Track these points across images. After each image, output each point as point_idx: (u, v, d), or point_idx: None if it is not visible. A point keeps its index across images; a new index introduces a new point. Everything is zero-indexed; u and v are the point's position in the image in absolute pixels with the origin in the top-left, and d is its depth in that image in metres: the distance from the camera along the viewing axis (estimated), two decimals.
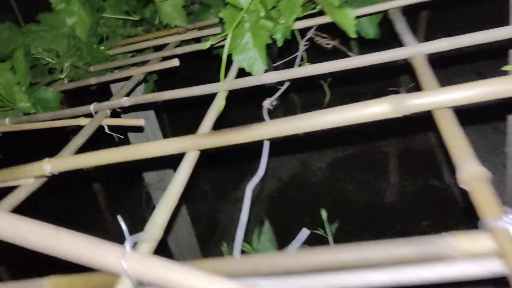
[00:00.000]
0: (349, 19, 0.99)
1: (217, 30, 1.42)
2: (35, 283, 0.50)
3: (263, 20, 1.02)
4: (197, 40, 1.52)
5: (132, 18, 1.59)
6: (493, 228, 0.38)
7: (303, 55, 1.25)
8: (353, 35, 1.01)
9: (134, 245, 0.49)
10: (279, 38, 1.03)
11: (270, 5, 0.97)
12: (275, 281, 0.45)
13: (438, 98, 0.55)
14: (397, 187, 3.63)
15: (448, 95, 0.55)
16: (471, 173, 0.45)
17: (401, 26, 0.94)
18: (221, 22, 0.99)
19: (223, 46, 1.20)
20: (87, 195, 2.92)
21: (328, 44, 1.18)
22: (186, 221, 2.41)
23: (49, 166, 0.68)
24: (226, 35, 0.91)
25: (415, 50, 0.75)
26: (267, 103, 0.89)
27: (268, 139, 0.69)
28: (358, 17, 1.27)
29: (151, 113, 2.00)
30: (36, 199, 0.78)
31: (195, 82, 1.04)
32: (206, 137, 0.65)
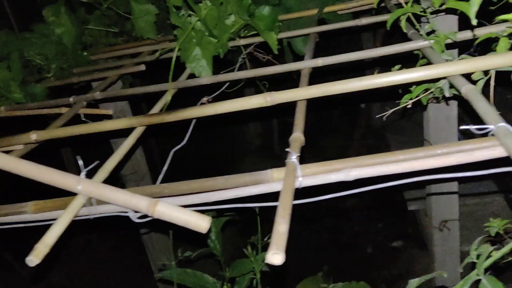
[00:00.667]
0: (273, 40, 1.30)
1: None
2: (22, 204, 0.78)
3: (209, 37, 1.32)
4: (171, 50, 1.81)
5: (113, 30, 1.89)
6: (287, 163, 0.68)
7: (247, 66, 1.55)
8: (275, 51, 1.32)
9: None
10: (220, 52, 1.33)
11: (211, 26, 1.27)
12: (173, 199, 0.74)
13: (293, 94, 0.85)
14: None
15: (300, 93, 0.85)
16: (294, 137, 0.75)
17: (309, 47, 1.25)
18: (176, 37, 1.29)
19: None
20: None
21: (264, 57, 1.49)
22: None
23: (35, 135, 0.96)
24: (173, 48, 1.20)
25: (303, 65, 1.06)
26: (205, 99, 1.19)
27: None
28: (294, 37, 1.59)
29: (126, 104, 2.29)
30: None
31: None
32: (146, 117, 0.94)
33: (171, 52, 1.61)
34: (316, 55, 1.31)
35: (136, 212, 0.75)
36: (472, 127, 0.58)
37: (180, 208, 0.67)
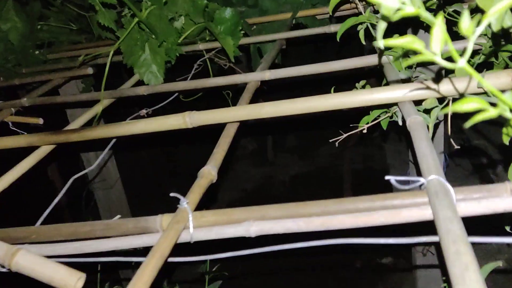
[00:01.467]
0: (229, 45, 1.15)
1: None
2: None
3: (157, 40, 1.17)
4: None
5: (71, 27, 1.74)
6: (179, 209, 0.52)
7: (210, 73, 1.40)
8: (232, 58, 1.17)
9: None
10: (171, 59, 1.18)
11: (157, 29, 1.11)
12: (40, 247, 0.59)
13: (220, 115, 0.70)
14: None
15: (228, 114, 0.70)
16: (202, 171, 0.60)
17: (268, 55, 1.10)
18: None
19: None
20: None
21: (225, 65, 1.34)
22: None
23: None
24: (109, 51, 1.05)
25: (249, 77, 0.90)
26: (143, 112, 1.04)
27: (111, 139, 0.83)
28: (265, 42, 1.43)
29: None
30: None
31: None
32: (51, 134, 0.79)
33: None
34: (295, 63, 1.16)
35: None
36: (399, 179, 0.43)
37: (45, 261, 0.52)
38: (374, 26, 0.76)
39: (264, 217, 0.49)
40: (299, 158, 4.47)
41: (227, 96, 1.51)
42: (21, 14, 1.51)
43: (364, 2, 0.81)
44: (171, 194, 0.51)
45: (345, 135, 0.82)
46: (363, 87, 0.87)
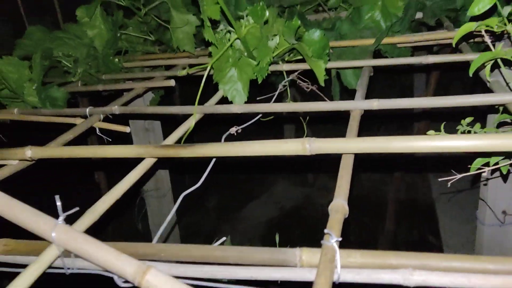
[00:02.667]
0: (320, 69, 1.13)
1: None
2: None
3: (248, 58, 1.16)
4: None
5: (149, 38, 1.78)
6: (324, 246, 0.49)
7: (288, 93, 1.38)
8: (322, 83, 1.15)
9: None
10: (259, 77, 1.17)
11: (252, 46, 1.11)
12: (169, 266, 0.57)
13: (340, 145, 0.67)
14: (392, 235, 3.66)
15: (349, 145, 0.67)
16: (334, 205, 0.57)
17: (361, 82, 1.07)
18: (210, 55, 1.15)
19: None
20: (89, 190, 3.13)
21: (308, 88, 1.31)
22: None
23: (30, 152, 0.82)
24: (206, 66, 1.05)
25: (354, 105, 0.88)
26: (233, 130, 1.03)
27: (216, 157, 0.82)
28: (345, 68, 1.41)
29: (157, 124, 2.17)
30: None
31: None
32: (159, 148, 0.78)
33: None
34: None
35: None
36: None
37: (176, 283, 0.51)
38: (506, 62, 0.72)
39: (424, 266, 0.45)
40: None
41: (303, 121, 1.49)
42: (107, 22, 1.55)
43: (489, 34, 0.77)
44: (325, 231, 0.49)
45: (459, 176, 0.77)
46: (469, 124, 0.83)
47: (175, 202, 2.28)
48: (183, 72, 1.07)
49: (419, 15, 1.58)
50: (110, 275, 0.60)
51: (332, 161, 0.82)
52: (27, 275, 0.54)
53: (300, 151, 0.68)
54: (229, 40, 1.13)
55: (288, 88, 1.40)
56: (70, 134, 1.03)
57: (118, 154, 0.80)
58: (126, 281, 0.59)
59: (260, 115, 1.10)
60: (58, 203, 0.57)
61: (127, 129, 1.12)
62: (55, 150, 0.83)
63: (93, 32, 1.52)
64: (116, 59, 1.62)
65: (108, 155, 0.80)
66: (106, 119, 1.19)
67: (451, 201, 3.31)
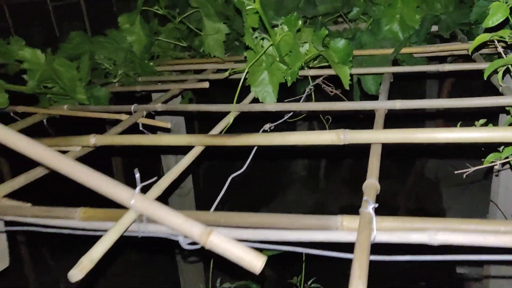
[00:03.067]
0: (345, 74, 1.24)
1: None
2: (72, 209, 0.75)
3: (279, 63, 1.28)
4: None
5: (181, 44, 1.91)
6: (362, 212, 0.60)
7: (312, 96, 1.50)
8: (347, 86, 1.26)
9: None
10: (289, 80, 1.28)
11: (284, 52, 1.23)
12: (228, 230, 0.68)
13: (370, 136, 0.78)
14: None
15: (377, 136, 0.78)
16: (368, 184, 0.68)
17: (383, 87, 1.18)
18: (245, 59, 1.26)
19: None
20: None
21: (332, 92, 1.43)
22: None
23: (94, 139, 0.94)
24: (243, 70, 1.17)
25: (379, 105, 0.98)
26: (267, 126, 1.14)
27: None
28: (365, 74, 1.52)
29: (182, 120, 2.30)
30: None
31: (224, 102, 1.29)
32: (207, 137, 0.89)
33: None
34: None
35: (186, 237, 0.70)
36: None
37: (236, 243, 0.61)
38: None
39: (445, 229, 0.56)
40: (351, 189, 4.47)
41: (325, 122, 1.60)
42: (145, 28, 1.68)
43: (503, 44, 0.87)
44: (364, 198, 0.59)
45: (473, 169, 0.87)
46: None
47: (196, 201, 2.40)
48: (225, 74, 1.18)
49: (434, 28, 1.69)
50: (176, 238, 0.71)
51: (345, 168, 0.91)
52: (109, 236, 0.65)
53: (335, 141, 0.79)
54: (262, 46, 1.24)
55: (312, 93, 1.51)
56: (119, 128, 1.15)
57: (171, 143, 0.91)
58: (190, 244, 0.70)
59: (291, 113, 1.21)
60: (137, 175, 0.68)
61: (168, 125, 1.24)
62: (116, 138, 0.94)
63: (132, 37, 1.65)
64: (151, 63, 1.75)
65: (162, 143, 0.92)
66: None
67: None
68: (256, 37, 1.26)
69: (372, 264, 0.51)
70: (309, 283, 1.22)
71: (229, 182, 0.88)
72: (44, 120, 1.37)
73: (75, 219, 0.74)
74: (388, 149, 0.84)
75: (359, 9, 1.87)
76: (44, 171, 0.88)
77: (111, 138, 0.95)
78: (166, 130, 1.26)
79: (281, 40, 1.18)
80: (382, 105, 0.98)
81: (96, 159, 1.11)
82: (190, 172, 2.39)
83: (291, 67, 1.21)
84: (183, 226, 0.65)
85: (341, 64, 1.26)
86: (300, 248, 0.62)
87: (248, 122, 1.29)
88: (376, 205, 0.59)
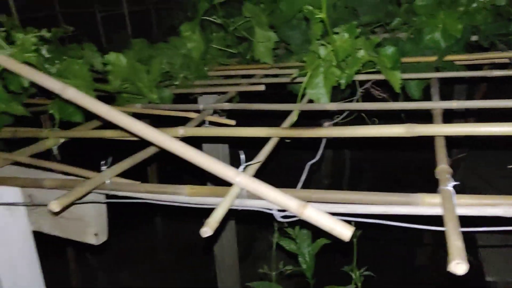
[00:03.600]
0: (397, 79, 1.35)
1: (295, 71, 1.83)
2: (179, 186, 0.87)
3: (333, 68, 1.40)
4: (276, 76, 1.92)
5: (231, 51, 2.05)
6: (442, 190, 0.71)
7: (359, 99, 1.61)
8: (398, 90, 1.37)
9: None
10: (343, 83, 1.40)
11: (341, 57, 1.34)
12: (319, 205, 0.79)
13: (435, 130, 0.89)
14: (430, 251, 3.77)
15: (442, 130, 0.89)
16: (440, 168, 0.78)
17: (434, 90, 1.29)
18: (303, 62, 1.39)
19: (295, 83, 1.62)
20: None
21: (380, 95, 1.54)
22: (232, 236, 2.71)
23: (182, 131, 1.07)
24: (306, 72, 1.29)
25: (435, 105, 1.09)
26: (326, 124, 1.26)
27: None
28: (408, 79, 1.63)
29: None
30: None
31: None
32: (284, 130, 1.01)
33: (278, 77, 1.73)
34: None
35: (280, 211, 0.82)
36: None
37: (327, 215, 0.72)
38: None
39: None
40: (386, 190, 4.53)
41: (369, 122, 1.71)
42: (203, 36, 1.83)
43: None
44: (447, 176, 0.70)
45: None
46: None
47: None
48: (294, 75, 1.31)
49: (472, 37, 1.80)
50: (270, 211, 0.82)
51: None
52: (220, 209, 0.76)
53: (404, 134, 0.90)
54: (321, 51, 1.37)
55: (359, 96, 1.63)
56: (193, 123, 1.28)
57: (251, 134, 1.04)
58: (283, 217, 0.81)
59: (347, 112, 1.32)
60: (242, 156, 0.81)
61: (233, 122, 1.36)
62: (202, 130, 1.07)
63: (192, 44, 1.80)
64: (206, 68, 1.90)
65: (242, 134, 1.04)
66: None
67: None
68: (315, 44, 1.38)
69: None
70: (361, 270, 1.31)
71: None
72: None
73: (182, 194, 0.86)
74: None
75: (400, 20, 1.99)
76: (146, 155, 1.02)
77: (197, 130, 1.07)
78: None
79: (340, 46, 1.30)
80: (440, 105, 1.08)
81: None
82: None
83: (348, 71, 1.32)
84: (282, 199, 0.77)
85: (392, 69, 1.37)
86: (390, 222, 0.73)
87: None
88: (457, 183, 0.70)
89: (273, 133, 1.02)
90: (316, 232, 1.45)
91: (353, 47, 1.31)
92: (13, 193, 1.06)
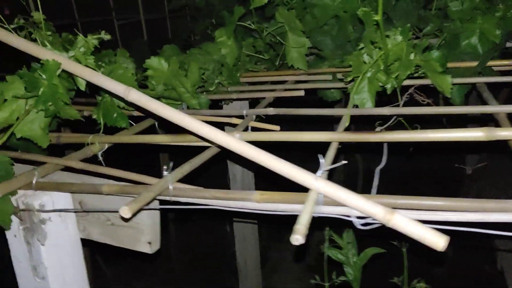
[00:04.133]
0: (447, 83, 1.32)
1: (326, 77, 1.80)
2: (248, 192, 0.84)
3: (380, 72, 1.37)
4: (306, 82, 1.89)
5: (262, 56, 2.02)
6: None
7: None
8: (448, 94, 1.33)
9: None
10: (389, 88, 1.36)
11: (389, 62, 1.31)
12: (405, 212, 0.75)
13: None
14: (450, 264, 3.70)
15: None
16: None
17: (487, 95, 1.25)
18: (349, 66, 1.36)
19: (326, 89, 1.61)
20: None
21: (424, 100, 1.50)
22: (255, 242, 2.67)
23: (238, 135, 1.04)
24: (356, 77, 1.26)
25: (499, 109, 1.05)
26: (378, 129, 1.22)
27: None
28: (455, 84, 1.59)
29: None
30: None
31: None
32: (348, 134, 0.98)
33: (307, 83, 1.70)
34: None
35: (359, 218, 0.78)
36: None
37: (417, 223, 0.68)
38: None
39: None
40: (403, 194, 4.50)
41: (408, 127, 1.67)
42: (237, 42, 1.80)
43: None
44: None
45: None
46: None
47: None
48: (349, 78, 1.28)
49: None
50: (349, 218, 0.78)
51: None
52: (305, 215, 0.71)
53: (482, 138, 0.86)
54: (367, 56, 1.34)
55: (400, 99, 1.59)
56: (237, 130, 1.24)
57: (312, 139, 1.00)
58: (363, 224, 0.77)
59: (395, 117, 1.29)
60: (322, 160, 0.77)
61: (277, 128, 1.33)
62: (253, 134, 1.04)
63: (226, 50, 1.77)
64: (238, 74, 1.87)
65: (303, 139, 1.01)
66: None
67: None
68: (362, 48, 1.35)
69: None
70: (414, 282, 1.27)
71: None
72: (156, 124, 1.48)
73: (252, 201, 0.83)
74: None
75: (434, 25, 1.96)
76: (204, 159, 0.98)
77: (255, 135, 1.04)
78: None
79: (391, 50, 1.27)
80: (503, 109, 1.05)
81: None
82: None
83: (398, 75, 1.29)
84: (365, 206, 0.73)
85: (442, 74, 1.34)
86: (488, 230, 0.69)
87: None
88: None
89: (336, 138, 0.99)
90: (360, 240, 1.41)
91: (405, 50, 1.28)
92: (64, 199, 1.02)
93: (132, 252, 1.08)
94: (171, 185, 0.88)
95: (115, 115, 1.22)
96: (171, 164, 0.91)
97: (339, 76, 1.80)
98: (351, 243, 1.38)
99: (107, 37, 1.12)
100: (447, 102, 1.65)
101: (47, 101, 0.87)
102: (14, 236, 1.00)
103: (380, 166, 0.95)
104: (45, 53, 0.92)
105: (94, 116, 1.24)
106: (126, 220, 0.84)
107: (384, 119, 1.30)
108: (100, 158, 1.18)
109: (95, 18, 3.40)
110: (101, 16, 3.49)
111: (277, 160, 0.79)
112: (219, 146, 1.06)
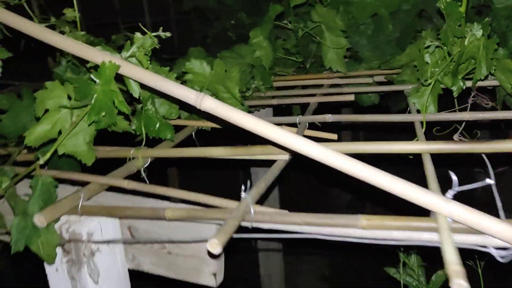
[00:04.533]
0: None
1: (362, 80, 1.68)
2: (353, 216, 0.69)
3: (445, 75, 1.24)
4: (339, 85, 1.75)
5: (294, 59, 1.88)
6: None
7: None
8: None
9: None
10: (455, 90, 1.23)
11: (462, 61, 1.18)
12: None
13: None
14: None
15: None
16: None
17: None
18: (415, 66, 1.22)
19: (363, 93, 1.47)
20: None
21: (487, 104, 1.37)
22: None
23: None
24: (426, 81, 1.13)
25: None
26: (456, 136, 1.09)
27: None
28: None
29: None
30: None
31: None
32: (446, 144, 0.84)
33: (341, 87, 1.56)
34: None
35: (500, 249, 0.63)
36: None
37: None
38: None
39: None
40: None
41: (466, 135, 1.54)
42: (271, 44, 1.66)
43: None
44: None
45: None
46: None
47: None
48: (429, 81, 1.14)
49: None
50: (486, 249, 0.64)
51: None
52: (449, 250, 0.57)
53: None
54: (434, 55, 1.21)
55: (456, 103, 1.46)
56: None
57: (402, 150, 0.86)
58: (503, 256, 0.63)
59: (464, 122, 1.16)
60: (454, 177, 0.63)
61: (335, 136, 1.19)
62: (338, 145, 0.90)
63: (261, 52, 1.63)
64: (272, 77, 1.73)
65: (392, 150, 0.87)
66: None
67: None
68: (429, 46, 1.22)
69: None
70: None
71: None
72: (193, 133, 1.33)
73: (356, 227, 0.68)
74: None
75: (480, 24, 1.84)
76: (275, 175, 0.84)
77: (340, 146, 0.90)
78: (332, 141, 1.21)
79: (467, 48, 1.14)
80: None
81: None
82: None
83: (474, 75, 1.16)
84: None
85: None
86: None
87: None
88: None
89: (432, 149, 0.85)
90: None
91: (489, 47, 1.15)
92: (112, 225, 0.86)
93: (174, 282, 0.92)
94: (252, 208, 0.73)
95: (158, 125, 1.07)
96: (248, 184, 0.76)
97: (377, 79, 1.68)
98: (421, 266, 1.24)
99: (166, 34, 0.97)
100: (505, 106, 1.53)
101: (101, 111, 0.72)
102: (56, 270, 0.84)
103: (492, 181, 0.81)
104: (96, 55, 0.76)
105: (134, 127, 1.08)
106: (216, 257, 0.69)
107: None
108: (143, 174, 1.03)
109: (102, 21, 3.25)
110: (107, 19, 3.35)
111: (396, 180, 0.64)
112: (294, 157, 0.92)
